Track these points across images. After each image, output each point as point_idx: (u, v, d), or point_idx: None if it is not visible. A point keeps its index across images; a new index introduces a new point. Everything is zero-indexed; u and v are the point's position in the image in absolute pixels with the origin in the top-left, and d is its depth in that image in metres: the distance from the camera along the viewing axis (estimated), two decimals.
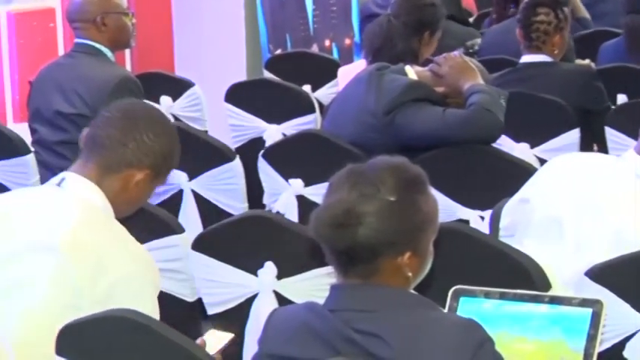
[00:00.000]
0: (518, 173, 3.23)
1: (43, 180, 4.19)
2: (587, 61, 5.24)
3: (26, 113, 4.57)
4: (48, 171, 4.30)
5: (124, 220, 3.01)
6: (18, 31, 6.91)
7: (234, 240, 2.86)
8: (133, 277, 2.40)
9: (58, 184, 2.50)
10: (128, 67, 6.78)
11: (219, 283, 2.87)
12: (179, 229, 3.03)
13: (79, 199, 2.47)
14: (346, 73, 4.49)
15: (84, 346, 2.19)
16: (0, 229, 2.46)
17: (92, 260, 2.37)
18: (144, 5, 6.74)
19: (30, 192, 2.63)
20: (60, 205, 2.46)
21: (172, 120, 4.81)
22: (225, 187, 3.86)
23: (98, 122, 2.56)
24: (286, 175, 3.80)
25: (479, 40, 5.46)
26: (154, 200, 3.80)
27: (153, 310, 2.40)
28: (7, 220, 2.47)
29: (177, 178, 3.87)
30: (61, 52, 7.05)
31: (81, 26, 4.38)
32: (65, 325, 2.19)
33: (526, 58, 4.54)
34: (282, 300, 2.76)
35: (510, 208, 2.89)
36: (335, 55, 6.88)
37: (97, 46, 4.36)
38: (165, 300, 3.01)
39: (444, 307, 2.23)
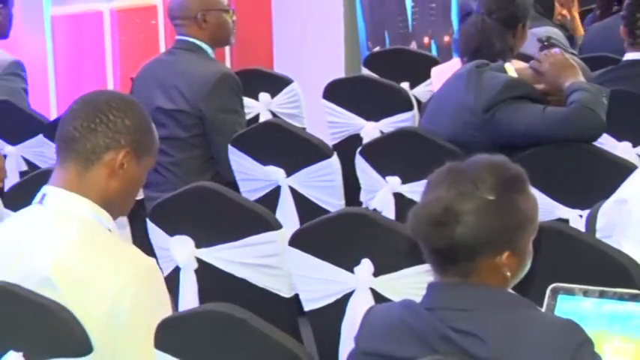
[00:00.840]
0: (620, 172, 3.17)
1: (147, 177, 4.23)
2: None
3: None
4: None
5: (223, 216, 3.04)
6: (120, 28, 6.99)
7: (331, 237, 2.85)
8: (127, 288, 2.27)
9: (40, 202, 2.40)
10: (227, 63, 6.82)
11: (315, 280, 2.87)
12: (276, 226, 3.03)
13: (62, 216, 2.37)
14: (440, 73, 4.47)
15: (182, 340, 2.20)
16: (2, 256, 2.38)
17: (83, 285, 2.26)
18: (244, 2, 6.77)
19: (19, 216, 2.48)
20: (45, 227, 2.36)
21: (271, 116, 4.84)
22: (322, 184, 3.86)
23: (62, 121, 2.45)
24: (383, 173, 3.79)
25: (554, 30, 5.38)
26: (252, 196, 3.82)
27: (161, 310, 2.31)
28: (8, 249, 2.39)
29: (275, 174, 3.88)
30: (162, 49, 7.12)
31: (182, 23, 4.43)
32: (163, 320, 2.20)
33: (629, 56, 4.46)
34: (378, 297, 2.74)
35: (607, 209, 2.84)
36: (434, 52, 6.84)
37: (198, 42, 4.41)
38: (262, 295, 3.03)
39: (542, 307, 2.20)
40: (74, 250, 2.32)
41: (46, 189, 2.42)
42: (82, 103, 2.45)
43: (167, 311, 2.35)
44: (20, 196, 2.69)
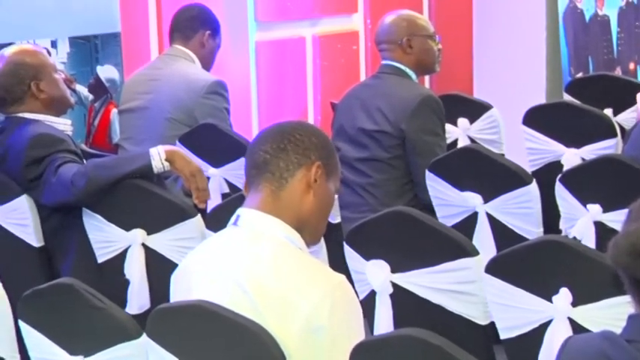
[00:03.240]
0: None
1: (345, 198, 4.28)
2: None
3: (328, 132, 4.69)
4: (347, 188, 4.40)
5: (419, 242, 3.04)
6: (322, 53, 7.09)
7: (529, 264, 2.81)
8: (323, 303, 2.28)
9: (235, 223, 2.46)
10: (427, 87, 6.83)
11: (512, 308, 2.83)
12: (473, 252, 3.00)
13: (255, 236, 2.41)
14: None
15: None
16: (201, 275, 2.44)
17: (278, 303, 2.29)
18: (446, 29, 6.77)
19: (217, 237, 2.53)
20: (240, 247, 2.41)
21: (469, 142, 4.82)
22: (520, 211, 3.81)
23: (251, 150, 2.51)
24: (584, 200, 3.72)
25: None
26: (449, 222, 3.80)
27: (356, 322, 2.33)
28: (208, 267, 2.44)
29: (472, 200, 3.85)
30: (362, 74, 7.18)
31: (387, 47, 4.52)
32: (359, 343, 2.21)
33: None
34: (576, 327, 2.69)
35: None
36: (639, 79, 6.67)
37: (402, 67, 4.48)
38: (457, 322, 3.00)
39: None
40: (268, 269, 2.36)
41: (240, 211, 2.47)
42: (267, 132, 2.53)
43: (361, 324, 2.37)
44: (221, 218, 2.75)
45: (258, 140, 2.50)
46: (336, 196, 2.62)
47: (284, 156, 2.45)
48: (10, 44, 4.03)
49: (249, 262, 2.37)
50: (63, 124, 3.86)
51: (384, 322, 3.08)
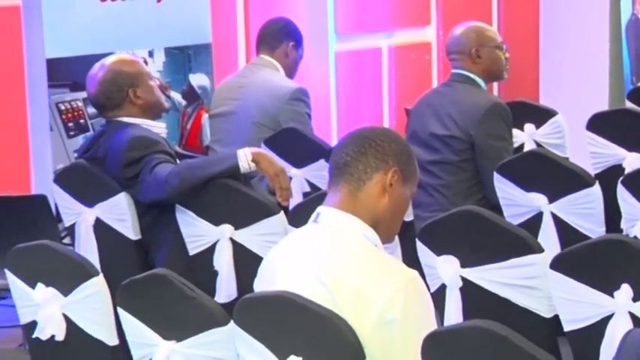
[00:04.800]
0: None
1: (418, 198, 4.27)
2: None
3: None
4: (419, 188, 4.39)
5: (487, 239, 3.02)
6: (397, 63, 7.08)
7: (592, 261, 2.78)
8: (396, 297, 2.27)
9: (315, 220, 2.45)
10: (495, 95, 6.78)
11: (575, 302, 2.79)
12: (539, 249, 2.98)
13: (334, 233, 2.41)
14: None
15: (446, 354, 2.19)
16: (284, 267, 2.44)
17: (354, 295, 2.28)
18: (514, 39, 6.72)
19: (298, 232, 2.54)
20: (319, 243, 2.41)
21: (535, 146, 4.78)
22: (583, 211, 3.77)
23: (335, 151, 2.51)
24: None
25: None
26: (515, 220, 3.77)
27: (428, 316, 2.32)
28: (291, 261, 2.45)
29: (538, 200, 3.82)
30: (434, 83, 7.16)
31: (457, 57, 4.52)
32: (430, 334, 2.20)
33: None
34: (637, 321, 2.65)
35: None
36: None
37: (472, 76, 4.47)
38: (523, 314, 2.98)
39: None
40: (346, 264, 2.35)
41: (320, 209, 2.47)
42: (351, 135, 2.52)
43: (432, 318, 2.35)
44: (302, 215, 2.76)
45: (343, 143, 2.51)
46: None
47: (363, 159, 2.44)
48: (110, 54, 4.07)
49: (328, 257, 2.37)
50: (158, 128, 3.90)
51: (454, 314, 3.06)
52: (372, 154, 2.44)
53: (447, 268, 3.07)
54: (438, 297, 3.07)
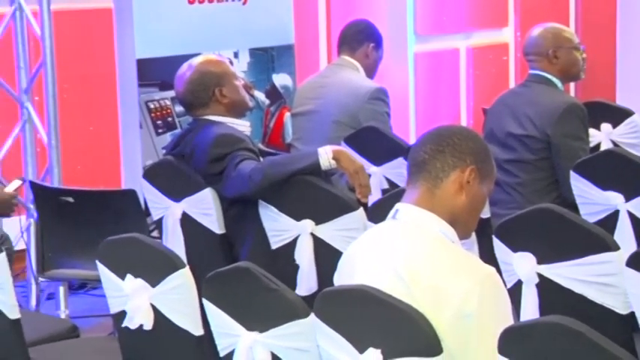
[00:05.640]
0: None
1: (495, 196, 4.23)
2: None
3: None
4: (497, 186, 4.35)
5: (564, 236, 2.97)
6: (475, 64, 7.03)
7: None
8: (473, 292, 2.24)
9: (393, 217, 2.43)
10: (573, 95, 6.70)
11: None
12: (615, 247, 2.92)
13: (412, 229, 2.39)
14: None
15: (522, 348, 2.16)
16: (362, 262, 2.43)
17: (432, 290, 2.26)
18: (591, 39, 6.63)
19: (377, 228, 2.52)
20: (398, 238, 2.39)
21: (611, 145, 4.70)
22: None
23: (414, 149, 2.48)
24: None
25: None
26: (591, 219, 3.71)
27: (504, 312, 2.29)
28: (368, 255, 2.43)
29: (614, 199, 3.76)
30: (511, 83, 7.10)
31: (534, 59, 4.47)
32: (507, 328, 2.17)
33: None
34: None
35: None
36: None
37: (549, 76, 4.42)
38: (599, 311, 2.93)
39: None
40: (424, 259, 2.34)
41: (398, 205, 2.46)
42: (429, 134, 2.50)
43: (509, 313, 2.33)
44: (381, 211, 2.75)
45: (421, 141, 2.49)
46: None
47: (441, 157, 2.43)
48: (197, 55, 4.10)
49: (406, 253, 2.36)
50: (243, 126, 3.91)
51: (530, 310, 3.02)
52: (450, 153, 2.42)
53: (523, 265, 3.03)
54: (515, 293, 3.03)
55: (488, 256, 3.10)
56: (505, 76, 7.26)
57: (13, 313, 3.01)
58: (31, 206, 4.82)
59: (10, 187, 4.13)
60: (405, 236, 2.40)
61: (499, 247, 3.14)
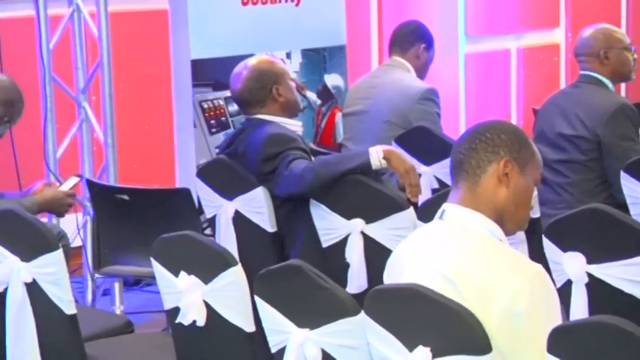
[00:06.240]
0: None
1: (544, 196, 4.20)
2: None
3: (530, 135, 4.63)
4: (546, 186, 4.33)
5: (613, 236, 2.94)
6: (526, 64, 6.98)
7: None
8: (522, 290, 2.23)
9: (440, 217, 2.43)
10: (623, 95, 6.63)
11: None
12: None
13: (459, 229, 2.38)
14: None
15: (571, 347, 2.14)
16: (410, 262, 2.43)
17: (481, 289, 2.24)
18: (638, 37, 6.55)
19: (425, 228, 2.52)
20: (446, 239, 2.38)
21: None
22: None
23: (453, 150, 2.47)
24: None
25: None
26: None
27: (554, 310, 2.26)
28: (416, 254, 2.43)
29: None
30: (562, 84, 7.04)
31: (585, 59, 4.44)
32: (556, 327, 2.16)
33: None
34: None
35: None
36: None
37: (600, 77, 4.39)
38: None
39: None
40: (472, 258, 2.33)
41: (445, 206, 2.45)
42: (465, 133, 2.50)
43: (558, 311, 2.31)
44: (431, 210, 2.74)
45: (458, 141, 2.50)
46: (536, 193, 2.55)
47: (475, 155, 2.42)
48: (250, 55, 4.12)
49: (453, 253, 2.35)
50: (295, 125, 3.92)
51: (580, 309, 3.00)
52: (483, 149, 2.42)
53: (573, 265, 3.01)
54: (564, 293, 3.01)
55: (538, 255, 3.08)
56: (556, 76, 7.21)
57: (70, 308, 3.04)
58: (88, 204, 4.87)
59: (67, 185, 4.18)
60: (452, 237, 2.39)
61: (549, 247, 3.11)
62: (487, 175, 2.41)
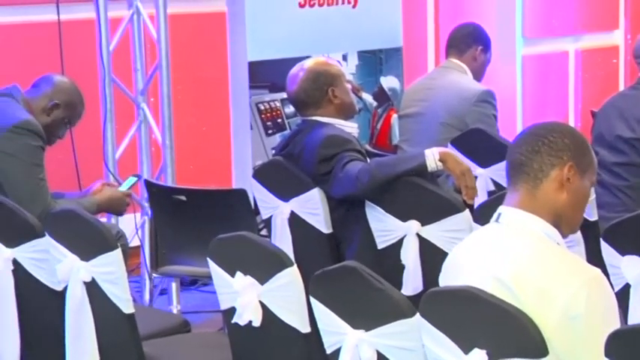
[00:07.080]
0: None
1: (603, 198, 4.15)
2: None
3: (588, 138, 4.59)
4: (604, 189, 4.27)
5: None
6: (584, 66, 6.91)
7: None
8: (580, 293, 2.20)
9: (496, 220, 2.40)
10: None
11: None
12: None
13: (516, 232, 2.35)
14: None
15: (630, 352, 2.11)
16: (466, 265, 2.41)
17: (538, 292, 2.22)
18: None
19: (481, 231, 2.50)
20: (502, 242, 2.35)
21: None
22: None
23: (510, 151, 2.43)
24: None
25: None
26: None
27: (612, 314, 2.23)
28: (470, 257, 2.42)
29: None
30: (621, 86, 6.96)
31: None
32: (614, 332, 2.13)
33: None
34: None
35: None
36: None
37: None
38: None
39: None
40: (529, 262, 2.31)
41: (501, 209, 2.43)
42: (524, 134, 2.46)
43: (616, 315, 2.28)
44: (487, 213, 2.72)
45: (516, 142, 2.46)
46: (594, 196, 2.52)
47: (538, 158, 2.39)
48: (306, 57, 4.12)
49: (510, 257, 2.33)
50: (350, 127, 3.92)
51: (638, 313, 2.96)
52: (546, 152, 2.38)
53: (631, 268, 2.97)
54: (623, 297, 2.97)
55: (595, 259, 3.04)
56: (615, 78, 7.13)
57: (128, 307, 3.06)
58: (146, 204, 4.91)
59: (125, 185, 4.21)
60: (509, 240, 2.37)
61: (607, 250, 3.08)
62: (549, 179, 2.38)
